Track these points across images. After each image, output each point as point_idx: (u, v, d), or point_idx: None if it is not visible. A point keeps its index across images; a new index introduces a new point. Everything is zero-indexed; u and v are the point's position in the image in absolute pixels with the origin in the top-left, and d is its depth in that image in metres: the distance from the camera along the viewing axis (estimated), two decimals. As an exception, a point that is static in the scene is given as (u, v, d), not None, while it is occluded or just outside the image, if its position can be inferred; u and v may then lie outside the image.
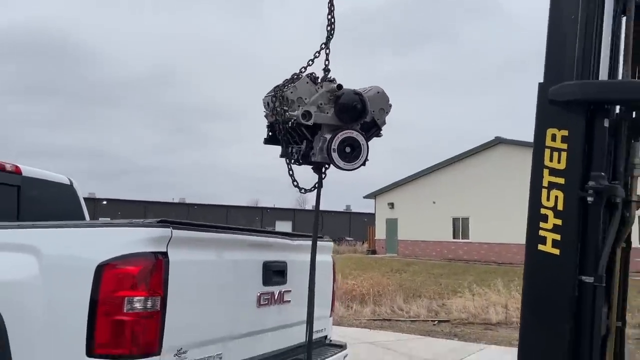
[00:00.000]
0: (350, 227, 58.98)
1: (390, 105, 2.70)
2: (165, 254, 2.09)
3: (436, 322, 10.71)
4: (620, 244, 2.10)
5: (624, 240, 2.11)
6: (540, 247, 1.81)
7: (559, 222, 1.78)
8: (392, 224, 33.74)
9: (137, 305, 2.01)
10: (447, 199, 29.53)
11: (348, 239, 45.21)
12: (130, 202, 50.80)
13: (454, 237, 30.03)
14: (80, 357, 2.01)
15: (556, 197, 1.79)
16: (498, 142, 28.02)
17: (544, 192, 1.80)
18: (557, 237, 1.78)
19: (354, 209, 63.90)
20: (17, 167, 3.92)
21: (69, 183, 4.34)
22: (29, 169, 4.03)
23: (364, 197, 36.72)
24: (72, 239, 2.26)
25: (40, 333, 2.12)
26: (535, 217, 1.83)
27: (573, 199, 1.78)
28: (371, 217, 37.31)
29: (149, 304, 2.03)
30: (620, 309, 2.16)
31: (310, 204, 58.41)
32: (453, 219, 30.03)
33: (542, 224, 1.80)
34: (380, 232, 34.83)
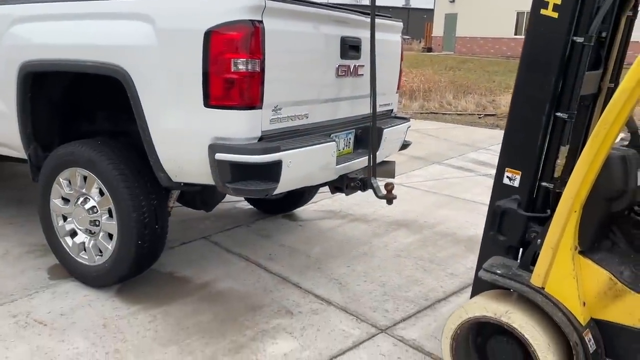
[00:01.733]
0: (408, 24, 56.55)
1: None
2: (261, 22, 2.41)
3: (482, 115, 11.16)
4: (626, 11, 2.37)
5: (630, 8, 2.38)
6: (543, 11, 2.08)
7: None
8: (451, 20, 32.25)
9: (241, 66, 2.40)
10: (514, -8, 27.45)
11: (405, 37, 43.73)
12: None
13: (515, 34, 28.64)
14: (200, 108, 2.48)
15: None
16: None
17: None
18: (558, 1, 2.08)
19: (413, 4, 60.47)
20: None
21: None
22: None
23: (424, -9, 34.58)
24: (179, 8, 2.58)
25: (164, 90, 2.57)
26: None
27: None
28: (430, 13, 35.56)
29: (250, 65, 2.41)
30: (616, 72, 2.50)
31: None
32: (517, 13, 28.28)
33: None
34: (438, 29, 33.56)
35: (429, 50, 33.31)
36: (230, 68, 2.41)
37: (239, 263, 3.51)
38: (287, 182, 2.64)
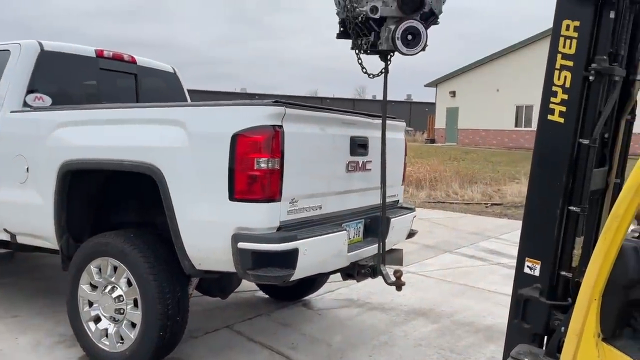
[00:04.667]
0: (410, 116, 58.60)
1: None
2: (281, 127, 2.72)
3: (489, 204, 11.35)
4: (625, 115, 2.60)
5: (628, 113, 2.63)
6: (550, 117, 2.30)
7: (565, 97, 2.23)
8: (452, 113, 33.51)
9: (263, 164, 2.68)
10: (510, 86, 28.76)
11: (408, 128, 44.94)
12: (196, 92, 52.59)
13: (515, 126, 29.66)
14: (225, 201, 2.73)
15: (565, 76, 2.27)
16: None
17: (556, 73, 2.27)
18: (563, 109, 2.30)
19: (415, 99, 63.03)
20: (132, 57, 4.57)
21: (172, 71, 4.99)
22: (141, 59, 4.64)
23: (425, 86, 36.23)
24: (209, 116, 2.93)
25: (193, 186, 2.83)
26: (547, 93, 2.26)
27: (578, 78, 2.23)
28: (432, 106, 37.02)
29: (271, 163, 2.69)
30: (620, 169, 2.72)
31: (369, 93, 58.11)
32: (516, 106, 29.45)
33: (552, 99, 2.24)
34: (440, 121, 34.76)
35: (432, 141, 34.32)
36: (254, 166, 2.69)
37: (263, 352, 3.55)
38: (303, 269, 2.80)
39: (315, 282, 4.46)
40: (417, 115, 56.93)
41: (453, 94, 33.52)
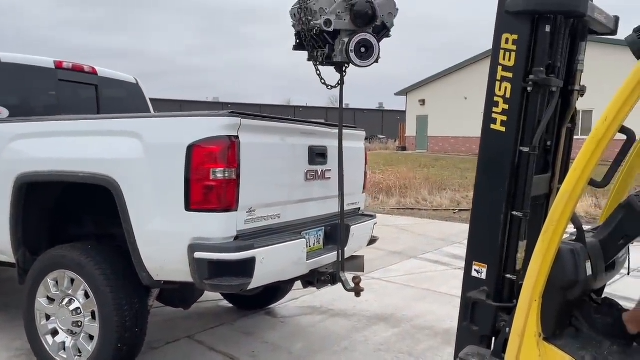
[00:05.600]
0: (382, 124, 59.14)
1: (397, 9, 3.16)
2: (237, 137, 2.74)
3: (457, 210, 11.55)
4: (565, 123, 2.71)
5: (568, 121, 2.75)
6: (492, 126, 2.38)
7: (506, 107, 2.31)
8: (422, 121, 34.01)
9: (219, 174, 2.69)
10: (478, 94, 29.06)
11: (380, 136, 45.56)
12: (165, 101, 52.29)
13: (483, 133, 30.21)
14: (181, 211, 2.73)
15: (505, 87, 2.36)
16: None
17: (497, 84, 2.36)
18: (505, 118, 2.38)
19: (386, 107, 63.77)
20: (93, 68, 4.54)
21: (135, 82, 4.96)
22: (102, 70, 4.61)
23: (395, 94, 36.72)
24: (165, 127, 2.94)
25: (149, 197, 2.82)
26: (489, 104, 2.35)
27: (517, 88, 2.32)
28: (403, 114, 37.48)
29: (227, 173, 2.71)
30: (563, 175, 2.82)
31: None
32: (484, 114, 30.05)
33: (494, 109, 2.33)
34: (410, 129, 35.22)
35: (404, 149, 34.75)
36: (210, 176, 2.71)
37: (223, 361, 3.55)
38: (261, 277, 2.84)
39: (279, 290, 4.49)
40: (389, 123, 57.60)
41: (423, 102, 34.04)
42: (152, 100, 5.13)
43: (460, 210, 11.46)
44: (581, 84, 2.66)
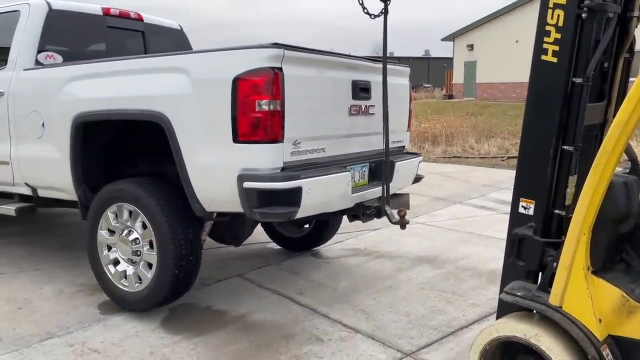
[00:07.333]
0: (428, 73, 57.53)
1: None
2: (280, 69, 2.75)
3: (505, 157, 11.28)
4: (623, 54, 2.59)
5: (626, 51, 2.60)
6: (543, 57, 2.25)
7: (558, 36, 2.19)
8: (470, 67, 32.81)
9: (264, 106, 2.73)
10: (529, 37, 27.63)
11: (426, 85, 44.36)
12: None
13: (535, 78, 28.92)
14: (229, 143, 2.81)
15: (558, 15, 2.24)
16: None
17: (549, 12, 2.22)
18: (556, 48, 2.26)
19: (433, 54, 61.67)
20: (139, 14, 4.60)
21: (179, 28, 5.02)
22: (148, 16, 4.69)
23: (442, 40, 35.44)
24: (210, 61, 2.95)
25: (198, 131, 2.90)
26: (540, 34, 2.22)
27: (571, 16, 2.18)
28: (450, 61, 36.27)
29: (272, 105, 2.74)
30: (619, 104, 2.70)
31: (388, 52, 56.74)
32: (535, 59, 28.67)
33: (545, 39, 2.21)
34: (458, 76, 34.10)
35: (450, 97, 33.79)
36: (255, 108, 2.74)
37: (271, 297, 3.70)
38: (307, 207, 2.89)
39: (324, 232, 4.58)
40: (435, 71, 55.87)
41: (471, 47, 32.73)
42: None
43: (508, 157, 11.19)
44: (641, 9, 2.49)
